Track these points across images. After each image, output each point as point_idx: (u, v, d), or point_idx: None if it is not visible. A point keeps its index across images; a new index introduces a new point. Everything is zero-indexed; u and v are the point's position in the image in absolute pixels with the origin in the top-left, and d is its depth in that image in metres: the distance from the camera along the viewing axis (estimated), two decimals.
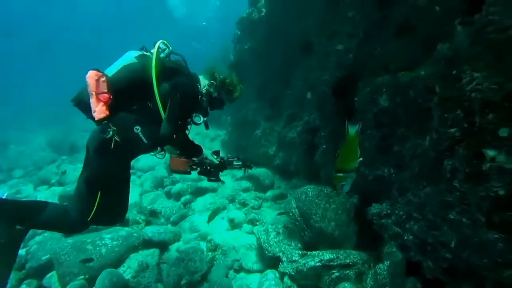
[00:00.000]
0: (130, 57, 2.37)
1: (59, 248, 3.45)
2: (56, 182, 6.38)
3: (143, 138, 2.28)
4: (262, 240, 3.33)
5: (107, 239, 3.66)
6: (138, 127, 2.27)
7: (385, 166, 3.19)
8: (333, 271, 2.63)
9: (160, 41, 2.48)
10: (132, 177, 7.17)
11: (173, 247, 4.01)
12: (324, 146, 4.36)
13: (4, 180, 8.34)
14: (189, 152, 2.63)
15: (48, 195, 5.82)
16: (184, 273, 3.16)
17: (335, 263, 2.63)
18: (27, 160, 9.72)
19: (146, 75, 2.27)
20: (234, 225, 4.37)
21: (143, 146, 2.32)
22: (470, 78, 1.82)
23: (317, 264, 2.69)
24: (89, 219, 2.30)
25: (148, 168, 7.28)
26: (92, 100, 2.13)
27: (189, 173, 2.73)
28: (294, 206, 3.30)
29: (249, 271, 3.38)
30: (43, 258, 3.75)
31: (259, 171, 5.49)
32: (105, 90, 2.14)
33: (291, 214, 3.30)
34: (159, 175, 6.52)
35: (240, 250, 3.70)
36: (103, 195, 2.30)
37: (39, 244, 4.09)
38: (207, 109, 2.69)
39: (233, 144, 7.92)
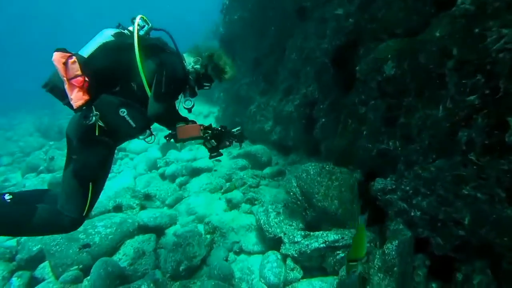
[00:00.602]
0: (106, 35, 2.16)
1: (49, 238, 3.27)
2: (45, 168, 6.13)
3: (130, 121, 2.09)
4: (262, 221, 3.19)
5: (100, 226, 3.49)
6: (123, 109, 2.07)
7: (390, 139, 2.99)
8: (338, 252, 2.51)
9: (139, 16, 2.25)
10: (125, 159, 6.95)
11: (170, 231, 3.87)
12: (324, 120, 4.14)
13: None
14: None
15: (37, 182, 5.60)
16: (182, 259, 3.03)
17: (340, 244, 2.50)
18: (14, 147, 9.39)
19: (128, 54, 2.08)
20: (232, 205, 4.22)
21: (131, 130, 2.14)
22: (497, 35, 1.58)
23: (321, 245, 2.56)
24: (84, 214, 2.11)
25: (141, 149, 7.04)
26: (66, 87, 1.92)
27: (203, 138, 2.45)
28: (295, 185, 3.13)
29: (249, 253, 3.27)
30: (34, 249, 3.58)
31: (255, 148, 5.29)
32: (78, 73, 1.90)
33: (291, 193, 3.14)
34: (152, 156, 6.29)
35: (240, 231, 3.58)
36: (93, 186, 2.11)
37: None
38: (195, 88, 2.50)
39: (228, 120, 7.65)
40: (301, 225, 3.07)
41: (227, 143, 2.59)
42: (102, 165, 2.17)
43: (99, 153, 2.11)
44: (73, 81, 1.89)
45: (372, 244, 2.50)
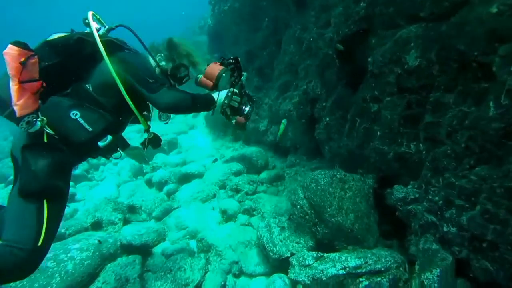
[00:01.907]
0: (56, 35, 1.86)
1: None
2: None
3: (84, 124, 1.73)
4: (264, 239, 2.75)
5: (75, 250, 2.98)
6: (75, 111, 1.73)
7: (411, 141, 2.59)
8: (361, 279, 2.09)
9: (91, 13, 1.92)
10: (108, 165, 6.39)
11: (158, 250, 3.39)
12: (328, 119, 3.71)
13: None
14: (202, 103, 1.96)
15: (5, 195, 4.98)
16: None
17: (363, 270, 2.08)
18: None
19: (83, 51, 1.82)
20: (227, 217, 3.77)
21: (87, 136, 1.74)
22: None
23: (340, 272, 2.13)
24: (40, 243, 1.57)
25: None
26: (13, 90, 1.55)
27: (226, 69, 2.02)
28: (302, 196, 2.69)
29: (251, 276, 2.82)
30: None
31: (251, 150, 4.84)
32: (36, 76, 1.59)
33: (298, 206, 2.70)
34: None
35: (238, 248, 3.13)
36: (49, 206, 1.62)
37: None
38: (176, 86, 2.17)
39: (219, 120, 7.15)
40: (310, 242, 2.64)
41: (249, 105, 2.13)
42: (56, 175, 1.66)
43: (51, 160, 1.65)
44: (26, 86, 1.56)
45: (401, 268, 2.08)
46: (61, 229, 3.48)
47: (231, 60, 2.07)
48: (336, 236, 2.49)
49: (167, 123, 2.22)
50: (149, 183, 5.08)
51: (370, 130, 3.03)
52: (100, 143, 1.80)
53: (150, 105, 2.09)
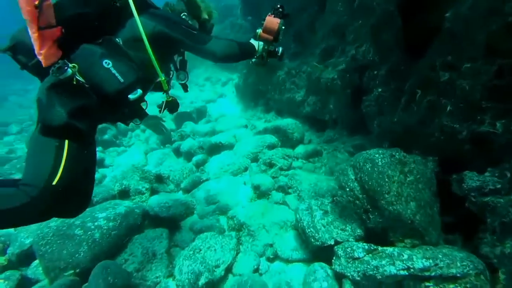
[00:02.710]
0: None
1: (39, 235, 2.66)
2: None
3: (117, 74, 1.65)
4: (305, 223, 2.44)
5: (102, 219, 2.85)
6: (108, 60, 1.65)
7: (497, 118, 2.09)
8: (428, 284, 1.73)
9: None
10: (136, 131, 6.28)
11: (186, 224, 3.21)
12: (380, 89, 3.20)
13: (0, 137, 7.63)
14: (246, 50, 2.09)
15: None
16: (202, 270, 2.35)
17: (432, 274, 1.71)
18: (25, 114, 8.92)
19: (115, 4, 1.77)
20: (260, 193, 3.48)
21: (118, 87, 1.65)
22: None
23: (402, 273, 1.78)
24: (54, 181, 1.44)
25: None
26: (34, 37, 1.44)
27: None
28: (352, 178, 2.31)
29: (287, 261, 2.56)
30: (27, 242, 3.03)
31: (286, 122, 4.43)
32: (53, 21, 1.47)
33: (348, 189, 2.32)
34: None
35: (272, 229, 2.85)
36: (70, 146, 1.52)
37: None
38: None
39: (250, 89, 6.74)
40: (358, 231, 2.29)
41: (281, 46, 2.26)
42: (80, 117, 1.55)
43: (77, 100, 1.56)
44: (46, 33, 1.45)
45: (482, 277, 1.69)
46: None
47: (280, 9, 2.11)
48: (391, 227, 2.11)
49: (186, 81, 2.22)
50: (177, 152, 4.88)
51: (436, 103, 2.52)
52: (130, 96, 1.70)
53: (172, 70, 2.19)
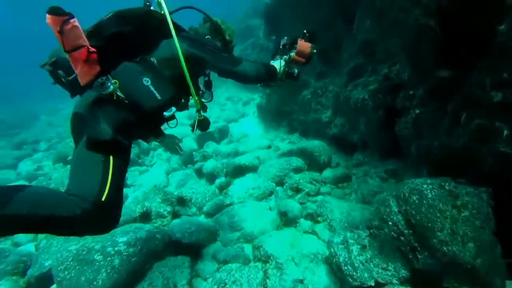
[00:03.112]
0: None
1: (58, 259, 2.55)
2: None
3: (155, 92, 1.73)
4: (341, 258, 2.20)
5: (122, 244, 2.72)
6: (147, 78, 1.74)
7: None
8: None
9: None
10: (158, 150, 6.26)
11: (209, 251, 3.02)
12: (418, 111, 2.97)
13: (30, 154, 7.87)
14: (271, 72, 2.20)
15: (65, 174, 5.04)
16: None
17: None
18: (53, 132, 9.23)
19: (151, 23, 1.87)
20: (287, 220, 3.27)
21: (156, 104, 1.74)
22: None
23: None
24: (104, 198, 1.47)
25: None
26: (69, 59, 1.52)
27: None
28: (396, 210, 2.07)
29: None
30: (46, 264, 2.94)
31: (313, 144, 4.25)
32: (79, 42, 1.49)
33: (390, 223, 2.08)
34: (188, 148, 5.51)
35: (302, 262, 2.61)
36: (115, 162, 1.56)
37: (45, 241, 3.27)
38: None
39: (272, 109, 6.65)
40: (403, 271, 2.02)
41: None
42: (123, 133, 1.62)
43: (120, 116, 1.64)
44: (75, 54, 1.49)
45: None
46: None
47: (307, 35, 2.30)
48: (445, 271, 1.84)
49: (210, 101, 2.22)
50: (199, 173, 4.77)
51: (488, 127, 2.27)
52: (166, 113, 1.85)
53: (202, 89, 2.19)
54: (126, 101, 1.66)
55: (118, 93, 1.63)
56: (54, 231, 1.43)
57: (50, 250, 3.06)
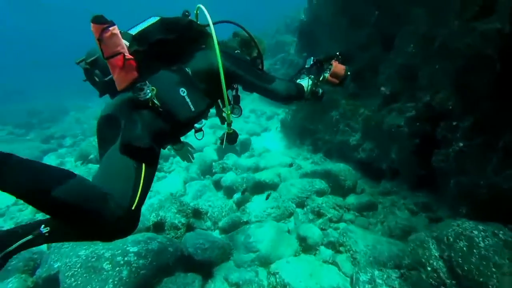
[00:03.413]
0: (155, 18, 1.83)
1: (67, 264, 2.47)
2: (94, 158, 5.63)
3: (190, 103, 1.73)
4: None
5: (132, 254, 2.60)
6: (184, 89, 1.73)
7: None
8: None
9: (202, 6, 1.97)
10: (178, 157, 6.21)
11: (221, 270, 2.86)
12: (462, 144, 2.72)
13: (55, 148, 8.07)
14: (300, 91, 2.18)
15: (83, 172, 5.05)
16: None
17: None
18: (79, 129, 9.48)
19: (191, 34, 1.90)
20: (306, 246, 3.06)
21: (189, 114, 1.73)
22: None
23: None
24: (134, 207, 1.41)
25: (197, 147, 6.22)
26: (109, 66, 1.55)
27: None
28: (437, 255, 1.83)
29: None
30: (55, 266, 2.84)
31: (338, 168, 4.04)
32: (117, 49, 1.50)
33: (429, 268, 1.84)
34: (208, 158, 5.42)
35: None
36: (147, 170, 1.51)
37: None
38: None
39: (297, 126, 6.48)
40: None
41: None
42: (158, 142, 1.62)
43: (157, 124, 1.62)
44: (112, 61, 1.51)
45: None
46: None
47: (340, 57, 2.26)
48: None
49: (239, 116, 2.17)
50: (217, 185, 4.65)
51: None
52: (197, 125, 1.83)
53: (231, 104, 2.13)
54: (161, 109, 1.63)
55: (154, 100, 1.59)
56: (81, 226, 1.35)
57: (60, 251, 2.96)
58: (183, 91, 1.71)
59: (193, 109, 1.72)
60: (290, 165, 5.04)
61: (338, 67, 2.20)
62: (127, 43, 1.59)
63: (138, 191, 1.43)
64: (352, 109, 4.67)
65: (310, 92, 2.24)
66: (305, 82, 2.25)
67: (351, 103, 4.79)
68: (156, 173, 5.39)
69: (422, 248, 1.90)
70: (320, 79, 2.25)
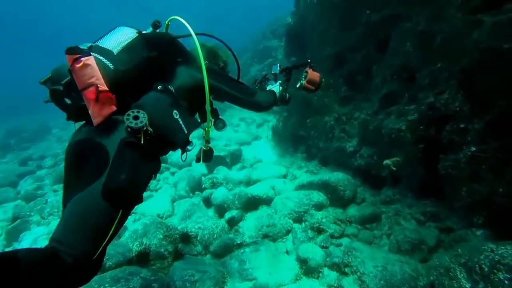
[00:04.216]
0: (129, 33, 1.67)
1: None
2: None
3: (183, 125, 1.62)
4: None
5: None
6: (176, 111, 1.61)
7: None
8: None
9: (181, 18, 1.85)
10: (165, 173, 5.85)
11: None
12: (474, 148, 2.47)
13: (34, 171, 7.57)
14: (275, 98, 2.30)
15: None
16: None
17: None
18: (60, 148, 8.99)
19: (174, 51, 1.82)
20: (307, 269, 2.76)
21: (183, 138, 1.64)
22: None
23: None
24: (95, 256, 1.29)
25: (184, 162, 5.88)
26: (84, 99, 1.41)
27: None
28: (467, 287, 1.53)
29: None
30: None
31: (336, 178, 3.75)
32: (90, 81, 1.37)
33: None
34: (196, 173, 5.08)
35: None
36: (122, 218, 1.37)
37: None
38: None
39: (289, 133, 6.22)
40: None
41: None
42: (145, 187, 1.56)
43: (150, 168, 1.53)
44: (85, 93, 1.39)
45: None
46: None
47: (313, 64, 2.42)
48: None
49: (224, 128, 2.14)
50: (207, 202, 4.31)
51: None
52: (189, 147, 1.76)
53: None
54: (153, 135, 1.48)
55: (148, 129, 1.44)
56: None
57: None
58: (176, 114, 1.59)
59: (186, 132, 1.63)
60: (284, 177, 4.75)
61: (313, 74, 2.36)
62: (109, 64, 1.46)
63: (104, 241, 1.30)
64: (347, 114, 4.42)
65: (280, 96, 2.37)
66: (276, 88, 2.38)
67: (345, 107, 4.54)
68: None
69: (448, 278, 1.61)
70: (297, 86, 2.41)
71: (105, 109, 1.42)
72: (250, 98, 2.03)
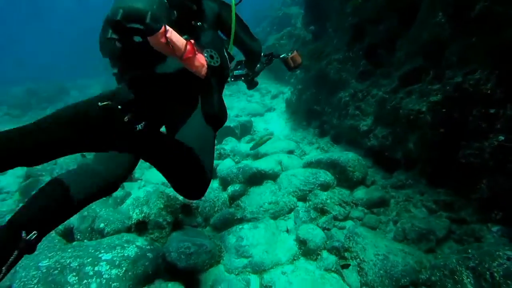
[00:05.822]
0: None
1: (21, 279, 2.11)
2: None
3: (228, 63, 1.75)
4: None
5: (104, 263, 2.25)
6: (225, 46, 1.80)
7: None
8: None
9: None
10: None
11: (208, 278, 2.52)
12: (503, 137, 2.22)
13: None
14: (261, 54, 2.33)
15: (69, 158, 4.68)
16: None
17: None
18: None
19: None
20: (305, 250, 2.68)
21: (228, 72, 1.77)
22: None
23: None
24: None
25: None
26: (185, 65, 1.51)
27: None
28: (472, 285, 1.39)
29: None
30: (7, 284, 2.53)
31: (346, 157, 3.56)
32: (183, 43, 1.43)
33: None
34: None
35: None
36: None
37: None
38: None
39: (303, 107, 5.97)
40: None
41: None
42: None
43: (221, 87, 1.76)
44: (185, 57, 1.43)
45: None
46: (100, 223, 2.83)
47: (298, 51, 2.57)
48: None
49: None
50: (213, 172, 4.25)
51: None
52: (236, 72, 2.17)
53: None
54: (218, 69, 1.61)
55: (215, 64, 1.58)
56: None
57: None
58: (225, 48, 1.74)
59: (229, 67, 1.78)
60: (293, 152, 4.59)
61: (297, 55, 2.53)
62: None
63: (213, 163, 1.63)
64: (363, 90, 4.12)
65: (259, 68, 2.44)
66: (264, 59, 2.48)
67: (363, 83, 4.23)
68: None
69: (452, 281, 1.47)
70: (281, 56, 2.52)
71: (200, 58, 1.50)
72: (254, 41, 2.13)
